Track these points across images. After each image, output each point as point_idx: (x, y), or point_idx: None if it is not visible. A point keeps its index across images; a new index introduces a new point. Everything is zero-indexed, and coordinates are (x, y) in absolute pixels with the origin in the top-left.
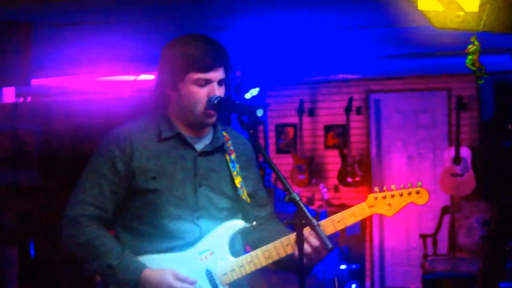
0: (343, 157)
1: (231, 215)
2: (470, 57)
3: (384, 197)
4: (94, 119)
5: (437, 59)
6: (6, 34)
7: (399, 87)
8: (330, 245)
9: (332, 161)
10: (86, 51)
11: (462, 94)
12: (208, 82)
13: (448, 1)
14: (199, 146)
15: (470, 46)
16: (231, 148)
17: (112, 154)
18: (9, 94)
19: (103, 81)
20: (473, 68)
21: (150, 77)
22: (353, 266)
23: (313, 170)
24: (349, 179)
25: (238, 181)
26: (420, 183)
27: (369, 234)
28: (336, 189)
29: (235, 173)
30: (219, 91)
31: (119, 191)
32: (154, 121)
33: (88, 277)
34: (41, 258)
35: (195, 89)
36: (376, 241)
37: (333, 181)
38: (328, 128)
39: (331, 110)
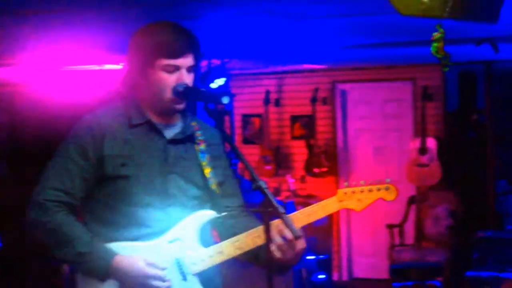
0: (310, 147)
1: (201, 204)
2: (435, 44)
3: (354, 192)
4: (60, 109)
5: (403, 49)
6: None
7: (365, 77)
8: (298, 233)
9: (299, 151)
10: (51, 40)
11: (427, 85)
12: (177, 68)
13: None
14: (169, 133)
15: (435, 33)
16: (200, 138)
17: (82, 140)
18: None
19: (68, 71)
20: (438, 56)
21: (115, 66)
22: (321, 257)
23: (279, 160)
24: (316, 170)
25: (207, 171)
26: (388, 180)
27: (336, 224)
28: (302, 179)
29: (204, 163)
30: (188, 78)
31: (89, 177)
32: (124, 108)
33: (56, 268)
34: (7, 249)
35: (163, 75)
36: (343, 232)
37: (300, 171)
38: (294, 119)
39: (297, 101)
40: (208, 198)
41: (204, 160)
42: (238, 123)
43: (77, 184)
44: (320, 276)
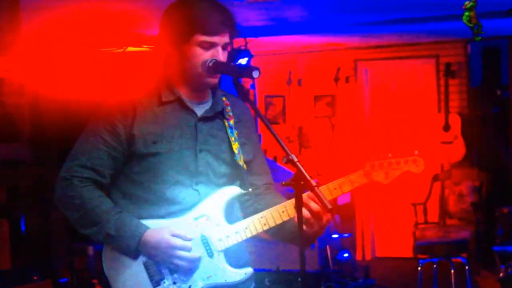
0: (333, 127)
1: (230, 181)
2: (466, 13)
3: (381, 165)
4: (83, 92)
5: (425, 25)
6: None
7: (387, 55)
8: (329, 206)
9: (322, 131)
10: (75, 18)
11: (450, 61)
12: (213, 45)
13: None
14: (200, 111)
15: (467, 2)
16: (230, 114)
17: (113, 118)
18: None
19: (92, 53)
20: (470, 25)
21: (138, 49)
22: (345, 235)
23: (302, 140)
24: (339, 149)
25: (235, 147)
26: (416, 151)
27: (359, 203)
28: (325, 158)
29: (232, 138)
30: (223, 55)
31: (118, 155)
32: (155, 85)
33: (80, 250)
34: (31, 232)
35: (199, 51)
36: (366, 210)
37: (323, 151)
38: (317, 98)
39: (319, 80)
40: (237, 176)
41: (233, 136)
42: (260, 104)
43: (106, 161)
44: (345, 255)
